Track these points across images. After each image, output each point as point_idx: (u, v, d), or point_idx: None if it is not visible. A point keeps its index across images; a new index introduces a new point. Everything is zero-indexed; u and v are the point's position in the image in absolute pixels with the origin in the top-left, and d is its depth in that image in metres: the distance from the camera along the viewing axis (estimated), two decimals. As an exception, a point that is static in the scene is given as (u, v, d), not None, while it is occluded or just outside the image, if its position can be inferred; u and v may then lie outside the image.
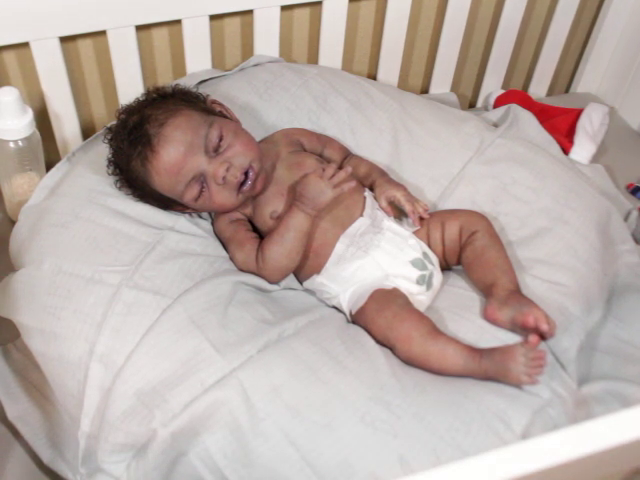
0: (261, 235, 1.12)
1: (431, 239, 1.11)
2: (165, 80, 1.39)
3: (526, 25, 1.62)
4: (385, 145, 1.29)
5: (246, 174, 1.07)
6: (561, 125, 1.54)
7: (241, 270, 1.08)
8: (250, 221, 1.14)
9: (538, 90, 1.72)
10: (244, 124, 1.16)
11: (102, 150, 1.14)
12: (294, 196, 1.07)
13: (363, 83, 1.36)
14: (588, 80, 1.73)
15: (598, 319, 1.10)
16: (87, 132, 1.39)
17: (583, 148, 1.46)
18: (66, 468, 1.01)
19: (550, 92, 1.75)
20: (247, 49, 1.44)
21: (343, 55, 1.48)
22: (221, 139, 1.06)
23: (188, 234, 1.09)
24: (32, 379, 1.09)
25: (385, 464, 0.87)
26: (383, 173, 1.20)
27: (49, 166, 1.22)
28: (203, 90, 1.22)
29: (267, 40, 1.39)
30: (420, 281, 1.06)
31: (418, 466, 0.87)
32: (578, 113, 1.55)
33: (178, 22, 1.32)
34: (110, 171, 1.11)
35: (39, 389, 1.08)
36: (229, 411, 0.90)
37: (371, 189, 1.17)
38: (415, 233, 1.11)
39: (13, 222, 1.23)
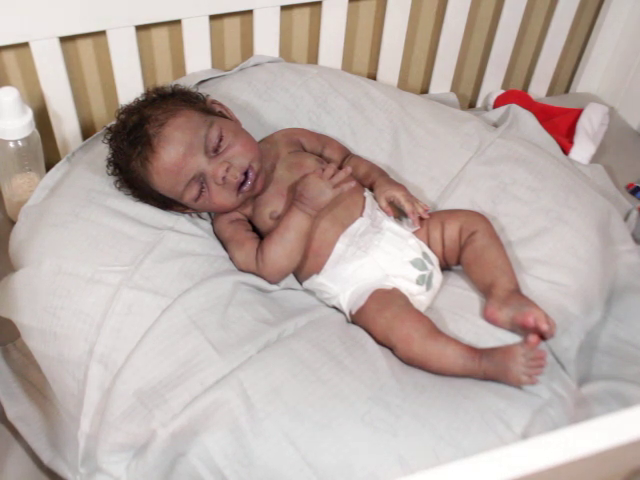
0: (261, 235, 1.12)
1: (431, 239, 1.11)
2: (165, 80, 1.39)
3: (526, 25, 1.62)
4: (385, 145, 1.29)
5: (246, 174, 1.06)
6: (561, 125, 1.54)
7: (241, 270, 1.08)
8: (250, 221, 1.14)
9: (538, 90, 1.72)
10: (244, 124, 1.16)
11: (102, 150, 1.14)
12: (294, 196, 1.07)
13: (363, 83, 1.36)
14: (588, 80, 1.73)
15: (598, 319, 1.09)
16: (87, 132, 1.39)
17: (583, 148, 1.46)
18: (66, 468, 1.00)
19: (550, 92, 1.75)
20: (247, 49, 1.44)
21: (343, 55, 1.48)
22: (221, 139, 1.05)
23: (188, 234, 1.09)
24: (32, 379, 1.09)
25: (385, 464, 0.87)
26: (383, 173, 1.20)
27: (49, 166, 1.21)
28: (203, 90, 1.22)
29: (267, 40, 1.39)
30: (420, 281, 1.06)
31: (418, 466, 0.87)
32: (578, 113, 1.55)
33: (178, 22, 1.32)
34: (110, 171, 1.11)
35: (39, 389, 1.08)
36: (229, 411, 0.90)
37: (371, 189, 1.17)
38: (415, 233, 1.11)
39: (13, 222, 1.23)
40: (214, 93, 1.23)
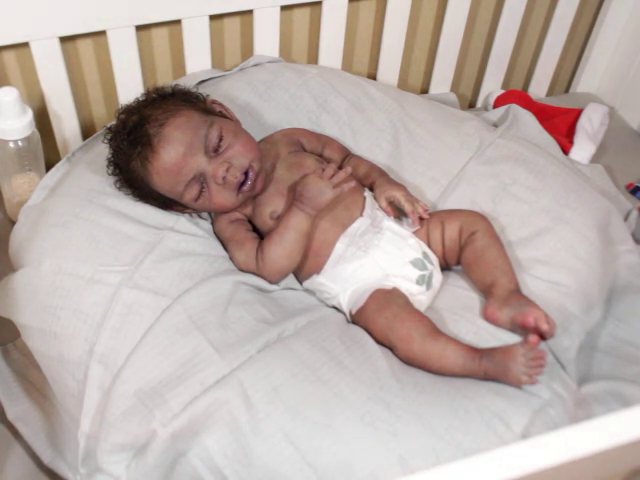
0: (261, 235, 1.12)
1: (431, 239, 1.11)
2: (165, 80, 1.39)
3: (526, 25, 1.62)
4: (385, 145, 1.29)
5: (246, 174, 1.06)
6: (561, 125, 1.54)
7: (241, 270, 1.08)
8: (250, 221, 1.14)
9: (538, 90, 1.72)
10: (244, 124, 1.16)
11: (102, 150, 1.14)
12: (294, 196, 1.07)
13: (363, 83, 1.36)
14: (588, 80, 1.73)
15: (598, 319, 1.10)
16: (87, 132, 1.39)
17: (583, 148, 1.46)
18: (66, 468, 1.01)
19: (550, 92, 1.75)
20: (247, 49, 1.44)
21: (343, 55, 1.48)
22: (221, 139, 1.06)
23: (188, 234, 1.09)
24: (32, 379, 1.09)
25: (385, 464, 0.87)
26: (383, 173, 1.20)
27: (49, 166, 1.21)
28: (203, 90, 1.22)
29: (267, 40, 1.39)
30: (420, 281, 1.06)
31: (418, 466, 0.87)
32: (578, 113, 1.55)
33: (178, 22, 1.32)
34: (110, 171, 1.11)
35: (39, 389, 1.08)
36: (229, 411, 0.90)
37: (371, 189, 1.17)
38: (415, 233, 1.11)
39: (13, 222, 1.23)
40: (214, 93, 1.23)
